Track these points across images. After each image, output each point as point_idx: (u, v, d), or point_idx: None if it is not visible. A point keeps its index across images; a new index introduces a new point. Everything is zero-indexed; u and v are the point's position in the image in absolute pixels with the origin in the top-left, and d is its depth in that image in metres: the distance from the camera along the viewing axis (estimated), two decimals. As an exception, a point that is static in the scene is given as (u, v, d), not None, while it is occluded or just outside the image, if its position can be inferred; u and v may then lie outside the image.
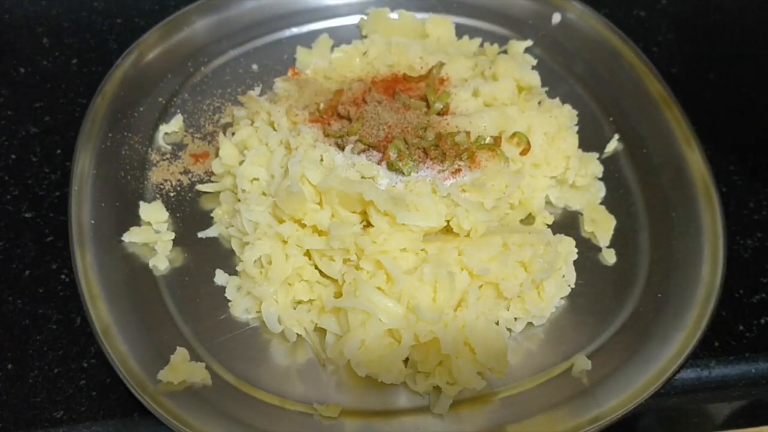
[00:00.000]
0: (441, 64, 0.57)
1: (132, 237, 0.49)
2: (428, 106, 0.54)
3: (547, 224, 0.52)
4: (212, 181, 0.53)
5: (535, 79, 0.57)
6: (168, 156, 0.55)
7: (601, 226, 0.53)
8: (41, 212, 0.53)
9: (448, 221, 0.47)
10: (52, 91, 0.61)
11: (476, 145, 0.51)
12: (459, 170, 0.49)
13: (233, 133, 0.54)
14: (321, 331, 0.46)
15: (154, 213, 0.51)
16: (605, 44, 0.62)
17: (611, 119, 0.59)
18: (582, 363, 0.45)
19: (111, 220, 0.50)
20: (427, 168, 0.49)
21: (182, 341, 0.45)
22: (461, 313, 0.44)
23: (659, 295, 0.49)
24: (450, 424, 0.43)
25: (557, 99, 0.57)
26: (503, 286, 0.46)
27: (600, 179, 0.55)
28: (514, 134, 0.52)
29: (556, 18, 0.64)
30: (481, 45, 0.62)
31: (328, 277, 0.47)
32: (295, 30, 0.64)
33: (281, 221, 0.48)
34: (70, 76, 0.62)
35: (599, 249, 0.52)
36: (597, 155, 0.55)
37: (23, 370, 0.46)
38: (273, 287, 0.46)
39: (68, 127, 0.58)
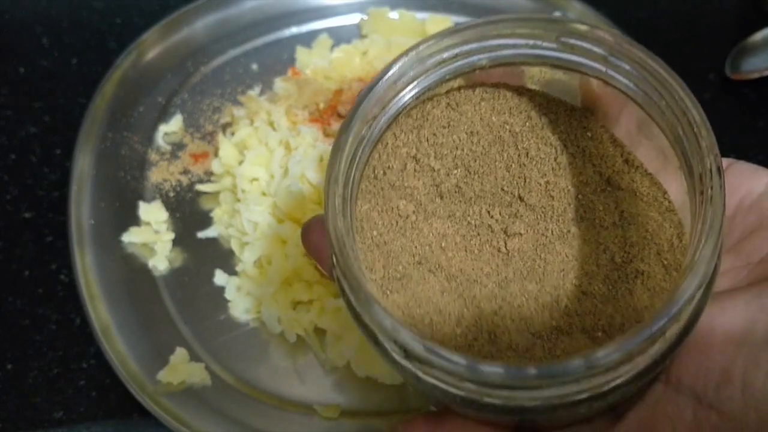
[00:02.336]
0: (441, 64, 0.57)
1: (131, 237, 0.49)
2: (428, 106, 0.54)
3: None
4: (212, 181, 0.53)
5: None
6: (167, 156, 0.55)
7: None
8: (41, 212, 0.53)
9: (447, 221, 0.47)
10: (52, 91, 0.61)
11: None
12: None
13: (233, 133, 0.54)
14: (321, 332, 0.46)
15: (153, 213, 0.51)
16: (605, 44, 0.62)
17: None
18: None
19: (110, 220, 0.50)
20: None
21: (182, 341, 0.45)
22: (461, 314, 0.44)
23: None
24: (450, 424, 0.43)
25: (557, 99, 0.57)
26: None
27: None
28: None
29: (556, 18, 0.64)
30: (481, 45, 0.62)
31: (327, 277, 0.47)
32: (294, 30, 0.64)
33: (281, 221, 0.48)
34: (70, 76, 0.62)
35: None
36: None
37: (23, 371, 0.46)
38: (272, 288, 0.46)
39: (68, 127, 0.57)
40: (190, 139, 0.56)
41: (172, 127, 0.56)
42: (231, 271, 0.49)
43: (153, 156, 0.55)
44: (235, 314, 0.47)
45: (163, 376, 0.43)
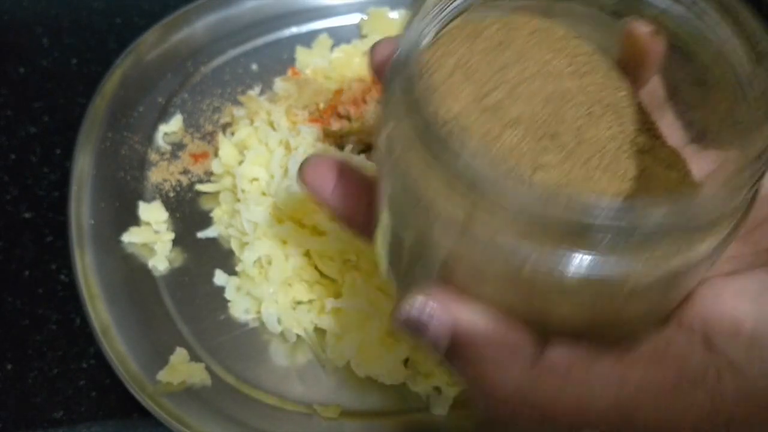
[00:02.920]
0: (441, 64, 0.56)
1: (131, 237, 0.49)
2: (428, 105, 0.53)
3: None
4: (212, 181, 0.53)
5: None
6: (167, 156, 0.55)
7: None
8: (41, 212, 0.53)
9: (447, 221, 0.47)
10: (52, 91, 0.61)
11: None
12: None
13: (233, 133, 0.54)
14: (321, 332, 0.46)
15: (153, 213, 0.51)
16: (605, 44, 0.62)
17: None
18: (582, 363, 0.45)
19: (110, 220, 0.50)
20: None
21: (182, 341, 0.45)
22: (461, 314, 0.44)
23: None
24: (450, 424, 0.43)
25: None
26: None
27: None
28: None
29: (557, 17, 0.64)
30: (481, 45, 0.62)
31: (327, 278, 0.47)
32: (294, 30, 0.64)
33: (281, 221, 0.48)
34: (70, 76, 0.62)
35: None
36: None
37: (23, 371, 0.46)
38: (272, 288, 0.46)
39: (68, 127, 0.57)
40: (190, 139, 0.56)
41: (172, 127, 0.56)
42: (231, 271, 0.49)
43: (153, 156, 0.55)
44: (235, 314, 0.47)
45: (163, 376, 0.43)
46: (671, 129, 0.28)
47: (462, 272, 0.25)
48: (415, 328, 0.25)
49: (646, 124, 0.28)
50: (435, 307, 0.24)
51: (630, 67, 0.29)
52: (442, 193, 0.23)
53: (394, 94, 0.25)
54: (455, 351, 0.25)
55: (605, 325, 0.26)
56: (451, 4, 0.28)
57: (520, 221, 0.22)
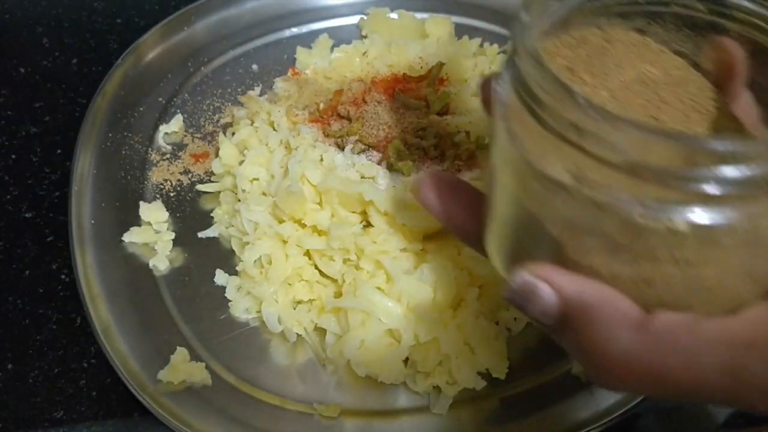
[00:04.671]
0: (441, 64, 0.57)
1: (132, 237, 0.49)
2: (428, 106, 0.54)
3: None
4: (212, 181, 0.53)
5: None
6: (168, 156, 0.55)
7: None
8: (41, 212, 0.53)
9: (447, 221, 0.47)
10: (52, 91, 0.61)
11: (476, 145, 0.51)
12: (459, 170, 0.49)
13: (233, 133, 0.55)
14: (321, 331, 0.46)
15: (154, 213, 0.51)
16: (605, 44, 0.62)
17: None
18: (582, 363, 0.45)
19: (111, 220, 0.50)
20: (427, 168, 0.49)
21: (182, 341, 0.45)
22: (461, 313, 0.44)
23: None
24: (450, 423, 0.43)
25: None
26: (503, 286, 0.46)
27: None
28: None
29: (556, 18, 0.64)
30: (481, 45, 0.62)
31: (328, 277, 0.47)
32: (295, 30, 0.64)
33: (281, 221, 0.48)
34: (70, 76, 0.62)
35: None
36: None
37: (23, 370, 0.46)
38: (273, 287, 0.46)
39: (68, 127, 0.58)
40: (191, 139, 0.56)
41: (173, 127, 0.56)
42: (231, 271, 0.49)
43: (154, 156, 0.55)
44: (235, 314, 0.47)
45: (164, 375, 0.43)
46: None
47: (570, 244, 0.25)
48: (525, 300, 0.26)
49: (742, 131, 0.29)
50: (545, 277, 0.25)
51: (719, 79, 0.29)
52: (553, 151, 0.24)
53: (510, 69, 0.26)
54: (564, 320, 0.25)
55: (707, 291, 0.25)
56: (553, 12, 0.29)
57: (634, 164, 0.22)
